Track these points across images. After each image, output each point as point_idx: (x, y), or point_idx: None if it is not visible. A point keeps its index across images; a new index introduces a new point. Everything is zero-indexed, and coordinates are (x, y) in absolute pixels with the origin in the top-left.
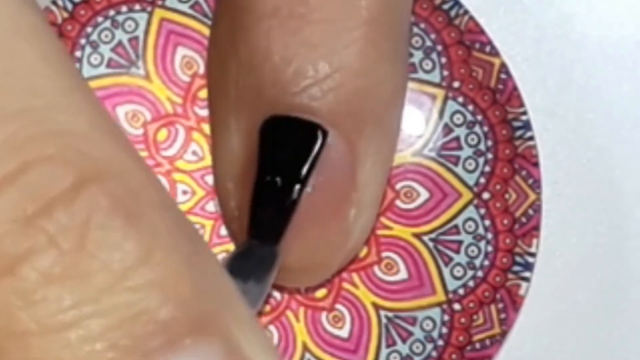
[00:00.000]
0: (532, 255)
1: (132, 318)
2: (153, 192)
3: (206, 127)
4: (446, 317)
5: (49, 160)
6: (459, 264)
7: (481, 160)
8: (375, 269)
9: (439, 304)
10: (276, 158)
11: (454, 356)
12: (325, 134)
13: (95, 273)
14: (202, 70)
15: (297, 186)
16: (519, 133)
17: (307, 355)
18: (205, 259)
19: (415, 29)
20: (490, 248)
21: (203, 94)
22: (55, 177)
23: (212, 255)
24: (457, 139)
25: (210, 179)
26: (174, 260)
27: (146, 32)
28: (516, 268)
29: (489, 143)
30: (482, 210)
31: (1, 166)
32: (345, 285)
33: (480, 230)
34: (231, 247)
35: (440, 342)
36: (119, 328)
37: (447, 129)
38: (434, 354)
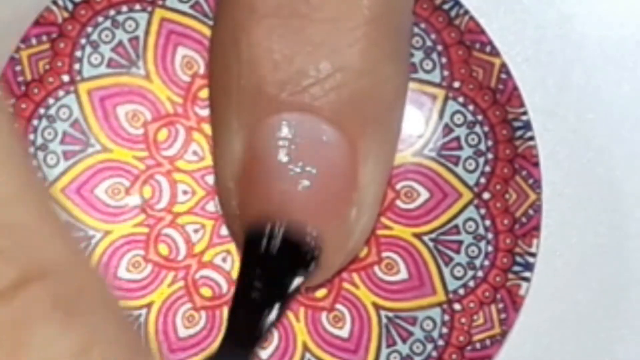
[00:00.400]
0: (533, 255)
1: None
2: (96, 289)
3: (206, 127)
4: (446, 317)
5: None
6: (459, 264)
7: (481, 160)
8: (376, 269)
9: (439, 304)
10: (259, 274)
11: (454, 356)
12: (313, 259)
13: None
14: (202, 70)
15: (277, 305)
16: (519, 133)
17: (308, 355)
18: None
19: (416, 29)
20: (490, 248)
21: (203, 94)
22: None
23: (151, 356)
24: (457, 139)
25: (210, 179)
26: (113, 356)
27: (146, 32)
28: (516, 268)
29: (489, 143)
30: (483, 210)
31: None
32: (346, 285)
33: (481, 230)
34: (231, 247)
35: (441, 342)
36: None
37: (448, 129)
38: (434, 354)
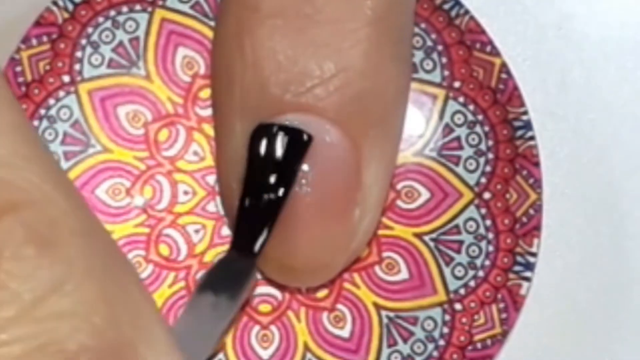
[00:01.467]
0: (533, 255)
1: (40, 348)
2: (74, 219)
3: (207, 127)
4: (447, 317)
5: None
6: (460, 263)
7: (482, 160)
8: (377, 269)
9: (440, 304)
10: (262, 164)
11: (455, 356)
12: (310, 139)
13: (4, 303)
14: (202, 70)
15: (281, 191)
16: (519, 133)
17: (309, 355)
18: (126, 284)
19: (416, 29)
20: (491, 248)
21: (204, 94)
22: None
23: (135, 281)
24: (457, 138)
25: (211, 179)
26: (88, 288)
27: (147, 33)
28: (517, 268)
29: (490, 143)
30: (483, 210)
31: None
32: (347, 285)
33: (481, 230)
34: None
35: (442, 342)
36: (25, 358)
37: (448, 129)
38: (435, 353)
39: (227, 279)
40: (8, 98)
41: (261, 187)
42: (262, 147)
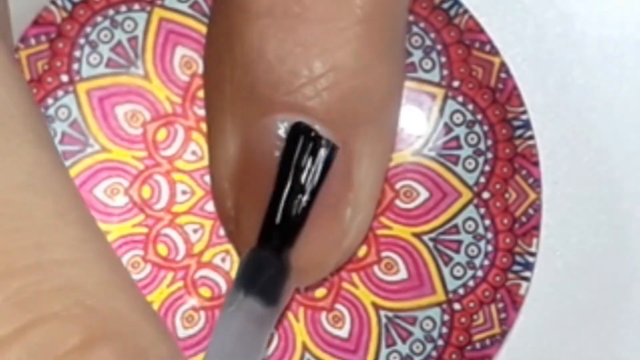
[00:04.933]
0: (532, 254)
1: None
2: (163, 349)
3: (205, 127)
4: (446, 317)
5: (55, 318)
6: (458, 263)
7: (481, 159)
8: (375, 268)
9: (439, 304)
10: (297, 168)
11: (454, 356)
12: (335, 149)
13: None
14: (201, 70)
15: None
16: (518, 132)
17: (307, 355)
18: None
19: (415, 28)
20: (490, 248)
21: (202, 93)
22: (61, 336)
23: None
24: (456, 138)
25: (209, 179)
26: None
27: (145, 32)
28: (516, 268)
29: (489, 142)
30: (482, 210)
31: (5, 324)
32: (345, 285)
33: (480, 230)
34: (231, 247)
35: (440, 342)
36: None
37: (447, 128)
38: (434, 353)
39: (264, 284)
40: (97, 228)
41: (296, 188)
42: (304, 152)
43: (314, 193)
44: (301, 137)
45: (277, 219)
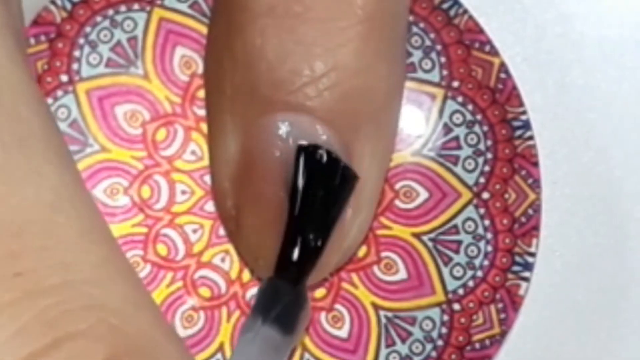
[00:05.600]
0: (532, 255)
1: None
2: None
3: (205, 127)
4: (446, 317)
5: (80, 336)
6: (458, 263)
7: (480, 159)
8: (375, 268)
9: (439, 304)
10: (313, 198)
11: (453, 356)
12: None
13: None
14: (201, 70)
15: (330, 231)
16: (518, 133)
17: (306, 355)
18: None
19: (415, 29)
20: (489, 248)
21: (202, 93)
22: (86, 354)
23: None
24: (456, 138)
25: (209, 179)
26: None
27: (145, 32)
28: (516, 268)
29: (489, 143)
30: (482, 210)
31: (34, 342)
32: (345, 285)
33: (480, 230)
34: (230, 247)
35: (440, 342)
36: None
37: (447, 129)
38: (434, 354)
39: (281, 313)
40: (118, 247)
41: (312, 216)
42: (316, 176)
43: (332, 222)
44: (318, 163)
45: (294, 254)
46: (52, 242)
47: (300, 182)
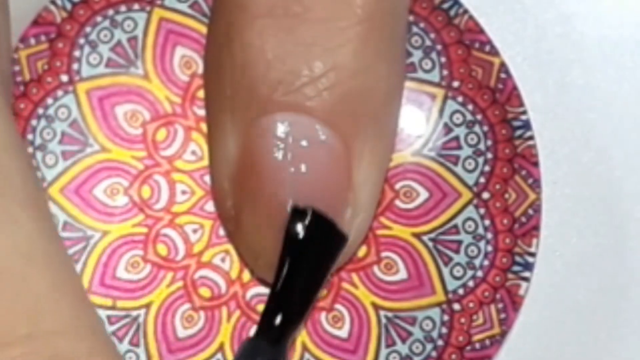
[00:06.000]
0: (532, 255)
1: None
2: None
3: (205, 127)
4: (446, 317)
5: None
6: (458, 263)
7: (481, 159)
8: (375, 269)
9: (439, 304)
10: (301, 262)
11: (453, 356)
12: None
13: None
14: (201, 70)
15: (316, 286)
16: (518, 133)
17: (307, 355)
18: None
19: (415, 29)
20: (489, 248)
21: (202, 93)
22: None
23: None
24: (456, 138)
25: (209, 179)
26: None
27: (145, 32)
28: (516, 268)
29: (489, 142)
30: (482, 210)
31: None
32: (345, 285)
33: (480, 230)
34: (230, 247)
35: (440, 342)
36: None
37: (447, 129)
38: (434, 354)
39: None
40: (88, 300)
41: (299, 279)
42: (305, 240)
43: (319, 284)
44: (308, 225)
45: (277, 318)
46: (22, 293)
47: (289, 246)
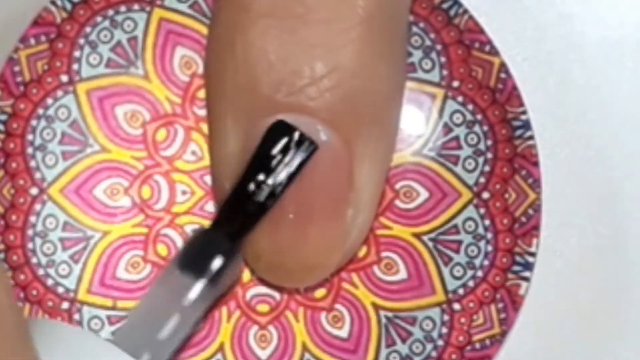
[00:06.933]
0: (532, 255)
1: None
2: None
3: (205, 127)
4: (446, 317)
5: None
6: (458, 263)
7: (481, 159)
8: (375, 269)
9: (439, 304)
10: (268, 160)
11: (453, 356)
12: (315, 149)
13: None
14: (201, 70)
15: (278, 189)
16: (518, 132)
17: (307, 355)
18: None
19: (415, 28)
20: (490, 248)
21: (202, 94)
22: None
23: None
24: (456, 138)
25: (209, 179)
26: None
27: (145, 32)
28: (516, 268)
29: (489, 142)
30: (482, 210)
31: None
32: (345, 285)
33: (480, 230)
34: None
35: (440, 342)
36: None
37: (447, 129)
38: (434, 354)
39: (208, 259)
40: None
41: (260, 180)
42: (277, 145)
43: (282, 186)
44: (280, 131)
45: (239, 216)
46: None
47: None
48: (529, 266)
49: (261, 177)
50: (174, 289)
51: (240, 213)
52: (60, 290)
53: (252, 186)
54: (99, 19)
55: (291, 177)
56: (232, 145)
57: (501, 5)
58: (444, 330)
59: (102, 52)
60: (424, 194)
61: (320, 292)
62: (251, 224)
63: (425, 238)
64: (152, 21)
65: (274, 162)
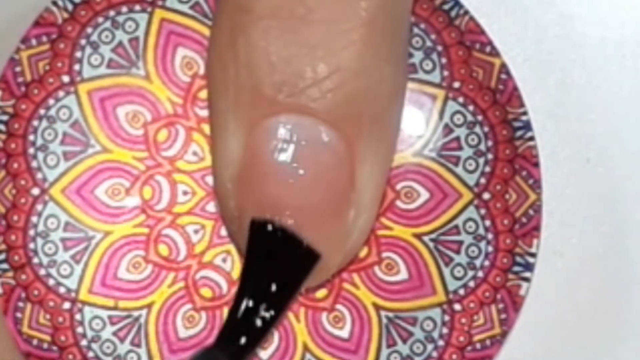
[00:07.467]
0: (533, 255)
1: None
2: None
3: (206, 128)
4: (446, 318)
5: None
6: (459, 264)
7: (481, 160)
8: (376, 269)
9: (440, 304)
10: (264, 270)
11: (454, 356)
12: (315, 259)
13: None
14: (202, 70)
15: (281, 303)
16: (519, 133)
17: (308, 355)
18: None
19: (416, 30)
20: (490, 248)
21: (203, 94)
22: None
23: None
24: (457, 139)
25: (210, 180)
26: None
27: (146, 33)
28: (516, 268)
29: (489, 143)
30: (483, 211)
31: None
32: (346, 285)
33: (481, 231)
34: (232, 247)
35: (441, 343)
36: None
37: (448, 130)
38: (435, 354)
39: None
40: None
41: (261, 294)
42: (265, 253)
43: (285, 301)
44: (273, 237)
45: (242, 339)
46: None
47: (252, 257)
48: (529, 267)
49: (261, 293)
50: None
51: (241, 333)
52: (62, 290)
53: (250, 303)
54: (100, 19)
55: (293, 289)
56: (234, 146)
57: (502, 7)
58: (445, 330)
59: (103, 53)
60: (424, 195)
61: (321, 293)
62: (254, 342)
63: (426, 238)
64: (153, 22)
65: (273, 274)
